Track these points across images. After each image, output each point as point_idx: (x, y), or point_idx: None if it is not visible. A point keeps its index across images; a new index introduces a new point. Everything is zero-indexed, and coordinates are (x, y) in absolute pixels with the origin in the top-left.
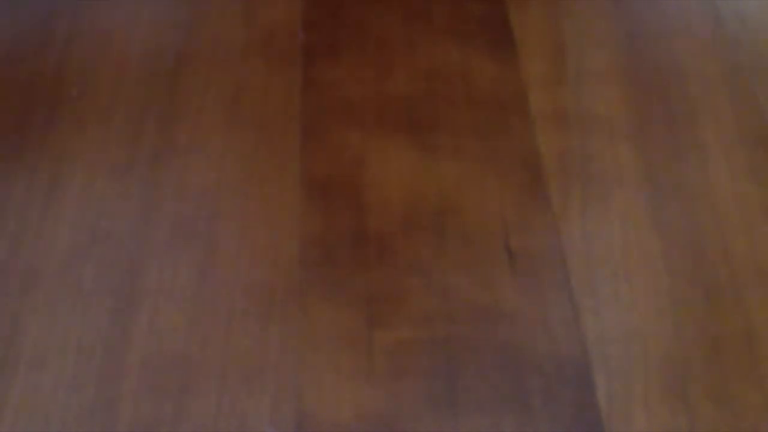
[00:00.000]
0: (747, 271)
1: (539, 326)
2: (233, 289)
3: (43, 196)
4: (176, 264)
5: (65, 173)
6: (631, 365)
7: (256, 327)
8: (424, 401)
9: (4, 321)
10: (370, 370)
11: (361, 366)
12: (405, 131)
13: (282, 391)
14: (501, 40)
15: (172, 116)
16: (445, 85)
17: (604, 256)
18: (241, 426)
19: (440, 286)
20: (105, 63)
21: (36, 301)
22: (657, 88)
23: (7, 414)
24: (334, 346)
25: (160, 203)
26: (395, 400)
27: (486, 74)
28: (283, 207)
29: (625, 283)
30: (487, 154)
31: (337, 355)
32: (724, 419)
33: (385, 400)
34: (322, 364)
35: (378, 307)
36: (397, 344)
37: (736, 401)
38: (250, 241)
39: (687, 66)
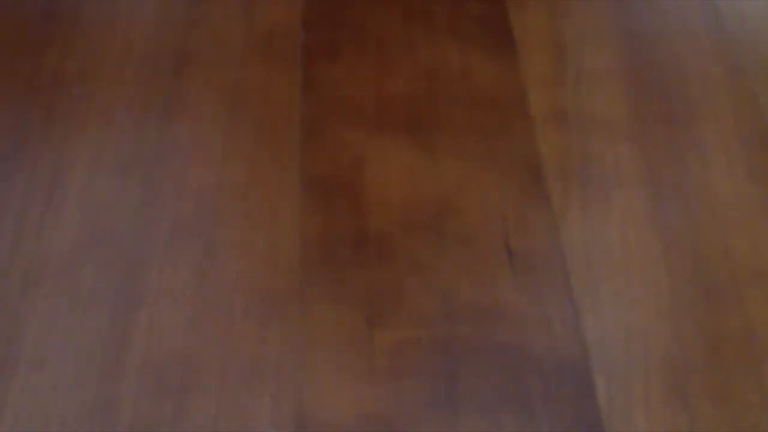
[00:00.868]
0: (747, 271)
1: (539, 326)
2: (233, 289)
3: (43, 196)
4: (176, 264)
5: (65, 173)
6: (631, 365)
7: (256, 327)
8: (424, 401)
9: (4, 321)
10: (370, 370)
11: (361, 366)
12: (405, 131)
13: (282, 391)
14: (501, 40)
15: (172, 116)
16: (445, 85)
17: (604, 256)
18: (241, 426)
19: (440, 286)
20: (105, 63)
21: (36, 301)
22: (657, 88)
23: (7, 414)
24: (334, 346)
25: (160, 203)
26: (395, 400)
27: (486, 74)
28: (283, 207)
29: (625, 283)
30: (487, 154)
31: (337, 355)
32: (724, 419)
33: (385, 400)
34: (322, 364)
35: (378, 307)
36: (397, 344)
37: (735, 401)
38: (250, 241)
39: (687, 66)
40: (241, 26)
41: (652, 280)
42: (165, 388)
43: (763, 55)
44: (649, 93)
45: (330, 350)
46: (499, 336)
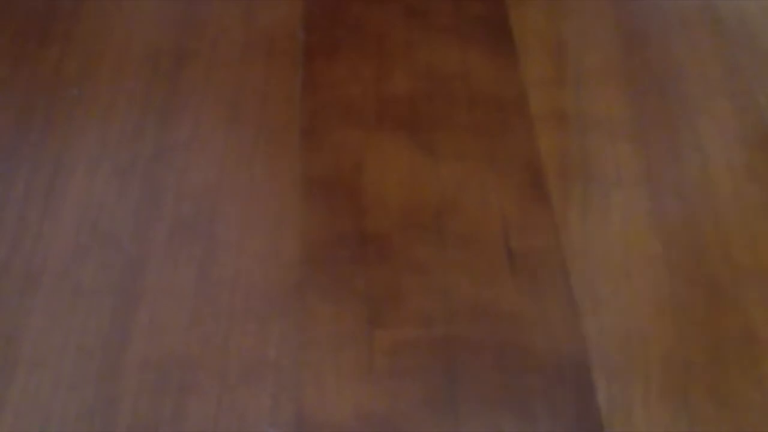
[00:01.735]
0: (747, 271)
1: (539, 326)
2: (233, 289)
3: (43, 196)
4: (176, 263)
5: (65, 173)
6: (631, 365)
7: (257, 326)
8: (424, 401)
9: (4, 321)
10: (370, 369)
11: (361, 365)
12: (405, 131)
13: (282, 391)
14: (501, 40)
15: (172, 116)
16: (445, 85)
17: (604, 256)
18: (241, 426)
19: (440, 286)
20: (105, 62)
21: (36, 301)
22: (657, 88)
23: (7, 414)
24: (334, 346)
25: (160, 203)
26: (395, 399)
27: (486, 74)
28: (283, 207)
29: (625, 283)
30: (487, 154)
31: (337, 354)
32: (725, 419)
33: (384, 400)
34: (322, 364)
35: (378, 306)
36: (397, 344)
37: (736, 401)
38: (250, 241)
39: (686, 66)
40: (241, 26)
41: (652, 280)
42: (165, 387)
43: (762, 55)
44: (649, 93)
45: (330, 350)
46: (499, 336)
